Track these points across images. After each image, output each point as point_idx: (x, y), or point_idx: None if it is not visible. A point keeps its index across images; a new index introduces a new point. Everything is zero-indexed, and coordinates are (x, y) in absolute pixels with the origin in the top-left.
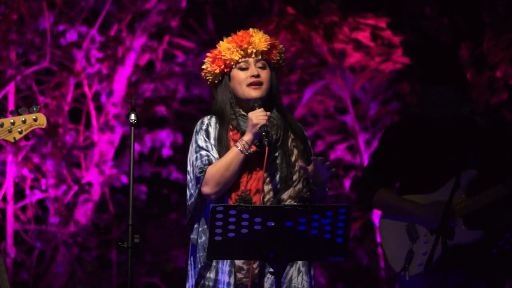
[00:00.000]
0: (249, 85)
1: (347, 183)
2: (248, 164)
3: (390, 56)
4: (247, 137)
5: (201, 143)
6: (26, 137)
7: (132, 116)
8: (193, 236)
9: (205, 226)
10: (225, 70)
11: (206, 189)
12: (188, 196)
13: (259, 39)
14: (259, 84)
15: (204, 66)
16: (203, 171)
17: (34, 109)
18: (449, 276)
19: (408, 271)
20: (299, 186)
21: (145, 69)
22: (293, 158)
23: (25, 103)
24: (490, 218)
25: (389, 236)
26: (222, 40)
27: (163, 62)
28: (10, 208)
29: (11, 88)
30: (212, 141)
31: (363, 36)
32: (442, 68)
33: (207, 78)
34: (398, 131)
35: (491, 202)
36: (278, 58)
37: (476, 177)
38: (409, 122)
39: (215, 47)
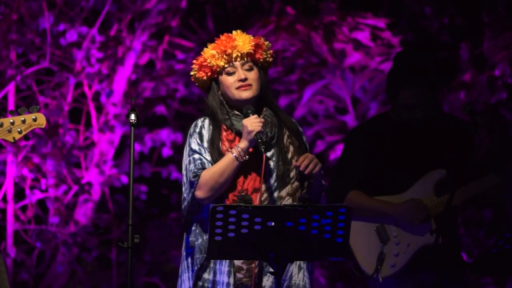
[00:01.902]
0: (238, 88)
1: None
2: (244, 165)
3: (390, 56)
4: (243, 144)
5: (194, 146)
6: (26, 137)
7: (132, 116)
8: (191, 238)
9: (201, 229)
10: (213, 76)
11: (200, 194)
12: (182, 199)
13: (242, 42)
14: (248, 85)
15: (192, 73)
16: (197, 175)
17: (34, 109)
18: (422, 277)
19: (381, 272)
20: (297, 183)
21: (145, 68)
22: (289, 155)
23: (25, 103)
24: (460, 218)
25: (358, 238)
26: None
27: (163, 61)
28: (10, 208)
29: (11, 88)
30: (206, 144)
31: (363, 36)
32: (413, 70)
33: (196, 84)
34: (365, 133)
35: (479, 193)
36: (265, 56)
37: (445, 177)
38: (376, 123)
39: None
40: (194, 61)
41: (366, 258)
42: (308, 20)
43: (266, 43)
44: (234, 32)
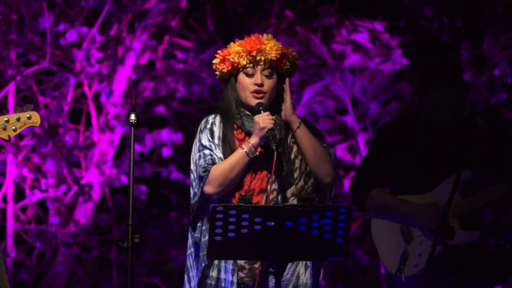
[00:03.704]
0: (252, 92)
1: (347, 183)
2: (252, 164)
3: (390, 57)
4: (254, 140)
5: (205, 142)
6: (20, 136)
7: (132, 116)
8: (197, 234)
9: (208, 225)
10: (232, 72)
11: (209, 189)
12: (191, 195)
13: (270, 48)
14: (262, 93)
15: (214, 61)
16: (206, 170)
17: (28, 107)
18: (445, 277)
19: (404, 272)
20: (301, 183)
21: (145, 68)
22: (292, 156)
23: (25, 103)
24: (486, 219)
25: (382, 236)
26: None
27: (163, 61)
28: (10, 208)
29: (11, 88)
30: (216, 141)
31: (362, 38)
32: (445, 71)
33: (216, 73)
34: (392, 131)
35: (489, 202)
36: (288, 67)
37: (472, 178)
38: (402, 121)
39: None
40: (219, 52)
41: (389, 256)
42: (307, 22)
43: (294, 54)
44: (265, 35)
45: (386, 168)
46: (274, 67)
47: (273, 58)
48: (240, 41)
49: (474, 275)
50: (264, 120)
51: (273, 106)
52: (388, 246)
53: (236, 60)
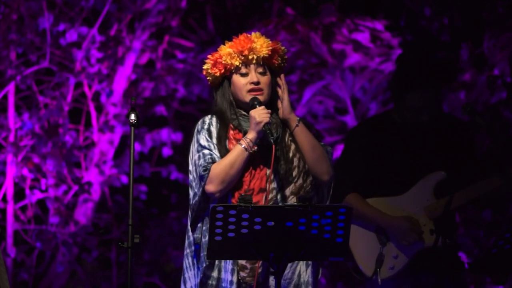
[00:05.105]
0: (249, 91)
1: None
2: (250, 162)
3: (390, 57)
4: (251, 135)
5: (203, 142)
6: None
7: (132, 116)
8: (197, 235)
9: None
10: (226, 74)
11: (211, 187)
12: (191, 196)
13: (260, 45)
14: (259, 90)
15: (205, 67)
16: (207, 169)
17: None
18: (421, 278)
19: (380, 274)
20: (300, 181)
21: (145, 68)
22: (290, 154)
23: (25, 103)
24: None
25: (357, 239)
26: (223, 43)
27: (163, 61)
28: (10, 208)
29: (11, 88)
30: (215, 140)
31: (363, 37)
32: (419, 73)
33: (208, 78)
34: (366, 132)
35: (485, 193)
36: (280, 62)
37: (445, 179)
38: (377, 123)
39: (215, 47)
40: (209, 56)
41: (364, 259)
42: (308, 20)
43: (283, 48)
44: (253, 33)
45: (361, 170)
46: (266, 64)
47: (265, 55)
48: (229, 42)
49: (449, 276)
50: (260, 114)
51: (269, 104)
52: (363, 248)
53: (229, 62)
